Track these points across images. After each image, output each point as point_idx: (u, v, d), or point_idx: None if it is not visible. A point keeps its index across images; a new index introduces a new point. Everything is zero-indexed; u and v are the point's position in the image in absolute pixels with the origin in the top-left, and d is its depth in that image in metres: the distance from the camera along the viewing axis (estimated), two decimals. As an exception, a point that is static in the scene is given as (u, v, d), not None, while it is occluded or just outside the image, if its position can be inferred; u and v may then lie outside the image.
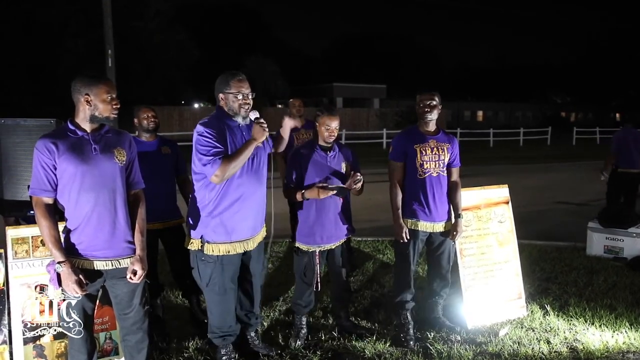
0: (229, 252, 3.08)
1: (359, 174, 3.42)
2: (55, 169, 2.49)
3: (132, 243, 2.67)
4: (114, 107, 2.57)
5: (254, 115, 3.05)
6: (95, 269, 2.58)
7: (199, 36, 36.19)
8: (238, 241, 3.09)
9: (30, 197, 2.53)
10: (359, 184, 3.40)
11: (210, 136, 2.93)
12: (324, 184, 3.37)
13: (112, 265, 2.60)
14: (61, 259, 2.47)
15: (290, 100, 5.66)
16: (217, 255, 3.07)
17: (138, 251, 2.66)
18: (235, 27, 45.13)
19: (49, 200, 2.53)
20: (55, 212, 2.57)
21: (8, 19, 23.81)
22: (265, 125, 2.99)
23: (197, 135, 2.98)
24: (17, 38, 24.01)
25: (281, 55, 41.02)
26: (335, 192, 3.37)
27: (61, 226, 2.60)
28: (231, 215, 3.04)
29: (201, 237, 3.07)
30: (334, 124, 3.46)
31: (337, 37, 72.13)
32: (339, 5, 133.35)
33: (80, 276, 2.49)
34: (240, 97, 3.02)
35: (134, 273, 2.62)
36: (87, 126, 2.57)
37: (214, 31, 43.55)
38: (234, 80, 3.04)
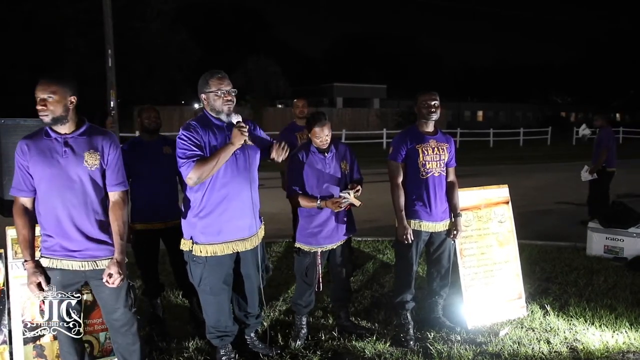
0: (215, 253, 3.06)
1: (359, 186, 3.45)
2: (29, 169, 2.52)
3: (111, 245, 2.64)
4: (38, 109, 2.48)
5: (235, 119, 3.01)
6: (72, 269, 2.59)
7: (200, 36, 36.20)
8: (226, 242, 3.07)
9: None
10: (358, 193, 3.44)
11: (187, 139, 2.94)
12: (339, 200, 3.36)
13: (90, 266, 2.60)
14: (26, 258, 2.53)
15: (294, 100, 5.62)
16: (206, 257, 3.06)
17: (116, 254, 2.63)
18: (237, 27, 45.13)
19: (26, 201, 2.57)
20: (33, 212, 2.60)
21: (9, 19, 23.82)
22: (245, 130, 2.94)
23: (177, 139, 2.99)
24: (18, 38, 24.01)
25: (282, 55, 40.99)
26: (347, 208, 3.42)
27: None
28: (217, 216, 3.03)
29: (191, 238, 3.08)
30: (324, 133, 3.43)
31: (338, 37, 72.23)
32: (340, 6, 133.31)
33: (41, 279, 2.54)
34: (220, 94, 3.00)
35: (110, 276, 2.59)
36: (59, 128, 2.55)
37: (215, 31, 43.54)
38: (213, 78, 3.01)
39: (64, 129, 2.56)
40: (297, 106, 5.48)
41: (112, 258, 2.62)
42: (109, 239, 2.64)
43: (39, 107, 2.47)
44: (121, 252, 2.64)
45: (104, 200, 2.65)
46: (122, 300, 2.70)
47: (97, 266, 2.62)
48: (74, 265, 2.59)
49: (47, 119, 2.49)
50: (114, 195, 2.68)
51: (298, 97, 5.64)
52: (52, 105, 2.47)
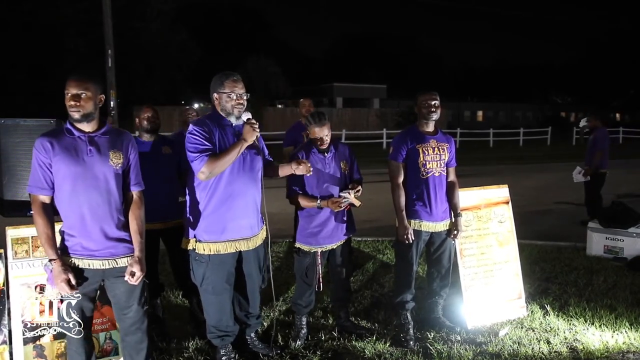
0: (218, 251, 3.08)
1: (360, 187, 3.46)
2: (52, 167, 2.49)
3: (130, 243, 2.66)
4: (70, 104, 2.48)
5: (245, 116, 3.07)
6: (93, 267, 2.59)
7: (200, 36, 36.22)
8: (229, 241, 3.09)
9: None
10: (359, 193, 3.45)
11: (199, 134, 2.96)
12: (339, 200, 3.37)
13: (110, 264, 2.61)
14: (53, 257, 2.49)
15: (301, 100, 5.67)
16: (209, 255, 3.08)
17: (136, 252, 2.66)
18: (237, 28, 45.16)
19: (46, 199, 2.54)
20: (53, 211, 2.57)
21: (9, 19, 23.82)
22: (257, 126, 3.01)
23: (187, 134, 3.01)
24: (18, 38, 24.01)
25: (282, 55, 41.03)
26: (347, 207, 3.43)
27: (59, 225, 2.60)
28: (222, 215, 3.05)
29: (194, 236, 3.09)
30: (324, 132, 3.44)
31: (338, 37, 72.28)
32: (340, 6, 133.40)
33: (70, 276, 2.49)
34: (233, 97, 3.04)
35: (132, 274, 2.62)
36: (83, 126, 2.55)
37: (215, 31, 43.58)
38: (228, 80, 3.05)
39: (89, 127, 2.56)
40: (303, 105, 5.53)
41: (132, 256, 2.64)
42: (127, 237, 2.66)
43: (71, 103, 2.47)
44: (141, 250, 2.67)
45: (124, 199, 2.67)
46: (136, 298, 2.71)
47: (117, 264, 2.62)
48: (95, 264, 2.58)
49: (77, 115, 2.49)
50: (135, 193, 2.72)
51: (304, 97, 5.70)
52: (85, 101, 2.49)
